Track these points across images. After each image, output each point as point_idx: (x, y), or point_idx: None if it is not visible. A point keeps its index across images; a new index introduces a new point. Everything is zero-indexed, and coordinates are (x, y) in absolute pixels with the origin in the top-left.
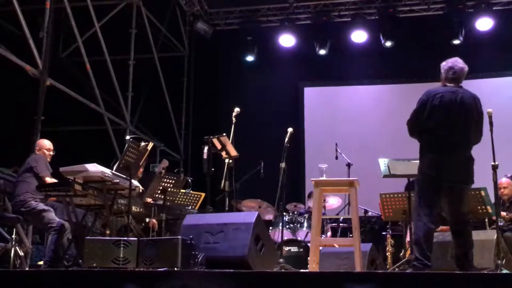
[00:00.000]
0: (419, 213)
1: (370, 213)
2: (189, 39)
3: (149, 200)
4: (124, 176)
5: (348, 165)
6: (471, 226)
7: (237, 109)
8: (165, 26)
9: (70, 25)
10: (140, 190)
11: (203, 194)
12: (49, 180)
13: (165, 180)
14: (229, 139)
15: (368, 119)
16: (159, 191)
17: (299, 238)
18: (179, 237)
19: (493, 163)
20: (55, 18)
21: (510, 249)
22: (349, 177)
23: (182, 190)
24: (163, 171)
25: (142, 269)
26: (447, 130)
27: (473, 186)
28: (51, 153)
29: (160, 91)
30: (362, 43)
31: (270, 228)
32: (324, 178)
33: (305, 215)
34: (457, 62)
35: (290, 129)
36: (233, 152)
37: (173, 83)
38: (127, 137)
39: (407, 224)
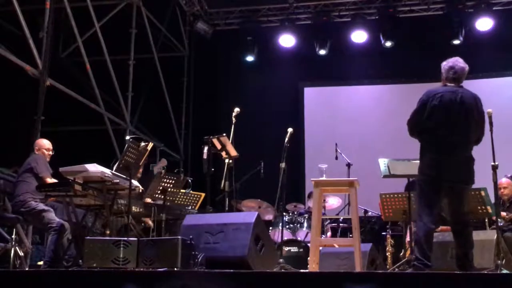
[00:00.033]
0: (420, 213)
1: (370, 213)
2: (189, 39)
3: (148, 200)
4: (124, 176)
5: (348, 165)
6: (471, 226)
7: (237, 109)
8: (165, 26)
9: (70, 25)
10: (140, 190)
11: (203, 194)
12: (50, 180)
13: (165, 180)
14: (229, 139)
15: (368, 119)
16: (159, 191)
17: (299, 238)
18: (179, 237)
19: (493, 163)
20: (55, 18)
21: (510, 249)
22: (349, 177)
23: (182, 190)
24: (162, 171)
25: (142, 269)
26: (447, 130)
27: (473, 186)
28: (51, 152)
29: (160, 91)
30: (362, 43)
31: (270, 228)
32: (324, 178)
33: (305, 215)
34: (457, 61)
35: (290, 129)
36: (233, 152)
37: (173, 83)
38: (127, 137)
39: (407, 224)
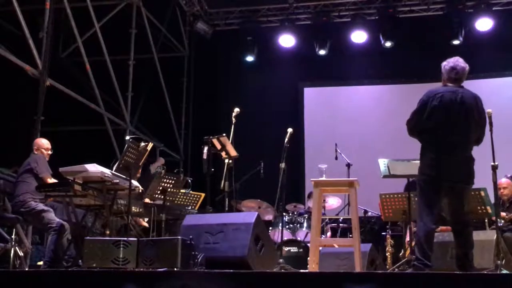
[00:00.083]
0: (420, 213)
1: (370, 214)
2: (189, 39)
3: (146, 200)
4: (124, 177)
5: (348, 165)
6: (471, 226)
7: (237, 109)
8: (165, 26)
9: (70, 25)
10: (140, 190)
11: (203, 194)
12: (50, 180)
13: (164, 180)
14: (229, 139)
15: (368, 119)
16: (159, 191)
17: (298, 239)
18: (179, 237)
19: (492, 164)
20: (55, 18)
21: (510, 249)
22: (349, 178)
23: (182, 190)
24: (162, 170)
25: (141, 269)
26: (447, 130)
27: (473, 186)
28: (50, 152)
29: (160, 91)
30: (362, 43)
31: (270, 228)
32: (323, 178)
33: (305, 215)
34: (458, 62)
35: (290, 129)
36: (233, 152)
37: (173, 83)
38: (127, 137)
39: (406, 224)
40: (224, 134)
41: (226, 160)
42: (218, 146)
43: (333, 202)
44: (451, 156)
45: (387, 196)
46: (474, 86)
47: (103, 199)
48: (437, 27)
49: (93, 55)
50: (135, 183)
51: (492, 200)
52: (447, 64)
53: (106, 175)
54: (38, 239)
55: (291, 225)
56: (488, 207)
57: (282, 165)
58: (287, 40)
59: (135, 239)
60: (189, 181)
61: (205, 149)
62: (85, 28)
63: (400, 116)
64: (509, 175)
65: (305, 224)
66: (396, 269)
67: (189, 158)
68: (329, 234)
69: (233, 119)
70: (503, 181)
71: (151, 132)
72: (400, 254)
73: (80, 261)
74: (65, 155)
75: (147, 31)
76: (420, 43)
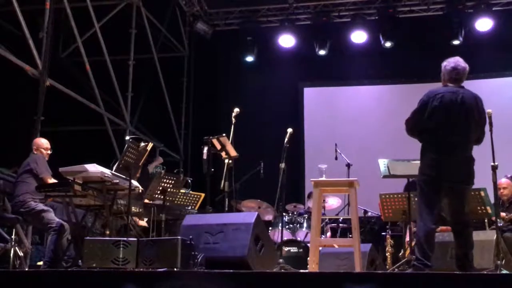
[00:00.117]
0: (420, 213)
1: (369, 214)
2: (189, 39)
3: (146, 200)
4: (124, 177)
5: (348, 165)
6: (472, 226)
7: (236, 110)
8: (165, 26)
9: (70, 26)
10: (140, 191)
11: (203, 195)
12: (50, 180)
13: (164, 180)
14: (228, 139)
15: (368, 119)
16: (158, 191)
17: (298, 239)
18: (179, 237)
19: (492, 164)
20: (55, 19)
21: (510, 249)
22: (348, 178)
23: (181, 191)
24: (162, 170)
25: (141, 269)
26: (447, 130)
27: (473, 186)
28: (49, 152)
29: (160, 92)
30: (362, 44)
31: (270, 228)
32: (323, 178)
33: (305, 215)
34: (459, 62)
35: (289, 130)
36: (233, 153)
37: (173, 83)
38: (127, 138)
39: (406, 225)
40: (224, 134)
41: (226, 160)
42: (218, 146)
43: (333, 202)
44: (451, 157)
45: (387, 196)
46: (474, 86)
47: (103, 199)
48: (437, 27)
49: (93, 55)
50: (135, 183)
51: (492, 200)
52: (448, 64)
53: (106, 175)
54: (38, 239)
55: (291, 225)
56: (488, 207)
57: (282, 165)
58: (287, 40)
59: (135, 239)
60: (189, 181)
61: (205, 149)
62: (85, 28)
63: (400, 116)
64: (509, 175)
65: (305, 224)
66: (396, 269)
67: (189, 158)
68: (329, 234)
69: (233, 119)
70: (503, 181)
71: (151, 132)
72: (400, 254)
73: (80, 261)
74: (65, 155)
75: (147, 31)
76: (420, 43)
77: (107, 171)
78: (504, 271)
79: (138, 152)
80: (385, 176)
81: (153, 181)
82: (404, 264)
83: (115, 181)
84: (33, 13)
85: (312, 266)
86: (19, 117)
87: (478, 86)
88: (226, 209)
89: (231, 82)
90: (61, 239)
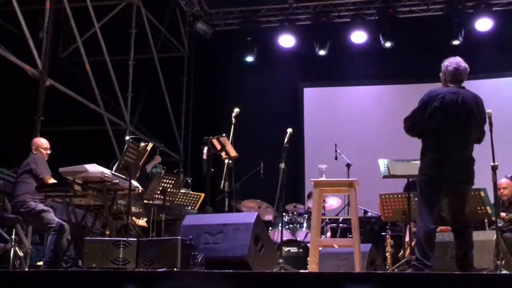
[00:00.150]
0: (420, 213)
1: (369, 214)
2: (189, 39)
3: (145, 200)
4: (124, 177)
5: (348, 165)
6: (472, 226)
7: (236, 110)
8: (165, 26)
9: (70, 26)
10: (140, 191)
11: (203, 195)
12: (50, 180)
13: (164, 180)
14: (228, 139)
15: (368, 119)
16: (158, 192)
17: (298, 239)
18: (179, 237)
19: (492, 164)
20: (55, 19)
21: (510, 249)
22: (348, 178)
23: (181, 191)
24: (162, 171)
25: (141, 269)
26: (447, 130)
27: (473, 186)
28: (49, 151)
29: (160, 92)
30: (362, 44)
31: (270, 228)
32: (323, 178)
33: (305, 215)
34: (461, 62)
35: (289, 130)
36: (233, 153)
37: (173, 83)
38: (127, 138)
39: (406, 225)
40: (224, 134)
41: (226, 160)
42: (218, 146)
43: (333, 202)
44: (451, 157)
45: (387, 196)
46: (474, 86)
47: (103, 199)
48: (437, 27)
49: (93, 55)
50: (135, 183)
51: (492, 200)
52: (450, 65)
53: (106, 175)
54: (38, 239)
55: (291, 225)
56: (488, 207)
57: (282, 165)
58: (287, 40)
59: (135, 239)
60: (189, 181)
61: (205, 149)
62: (85, 28)
63: (400, 116)
64: (509, 175)
65: (305, 224)
66: (396, 269)
67: (189, 158)
68: (329, 234)
69: (233, 119)
70: (503, 181)
71: (151, 132)
72: (400, 254)
73: (80, 261)
74: (65, 155)
75: (147, 31)
76: (420, 43)
77: (107, 171)
78: (504, 271)
79: (138, 152)
80: (385, 176)
81: (153, 181)
82: (404, 264)
83: (115, 181)
84: (33, 13)
85: (312, 266)
86: (19, 117)
87: (478, 86)
88: (226, 209)
89: (231, 82)
90: (61, 239)
